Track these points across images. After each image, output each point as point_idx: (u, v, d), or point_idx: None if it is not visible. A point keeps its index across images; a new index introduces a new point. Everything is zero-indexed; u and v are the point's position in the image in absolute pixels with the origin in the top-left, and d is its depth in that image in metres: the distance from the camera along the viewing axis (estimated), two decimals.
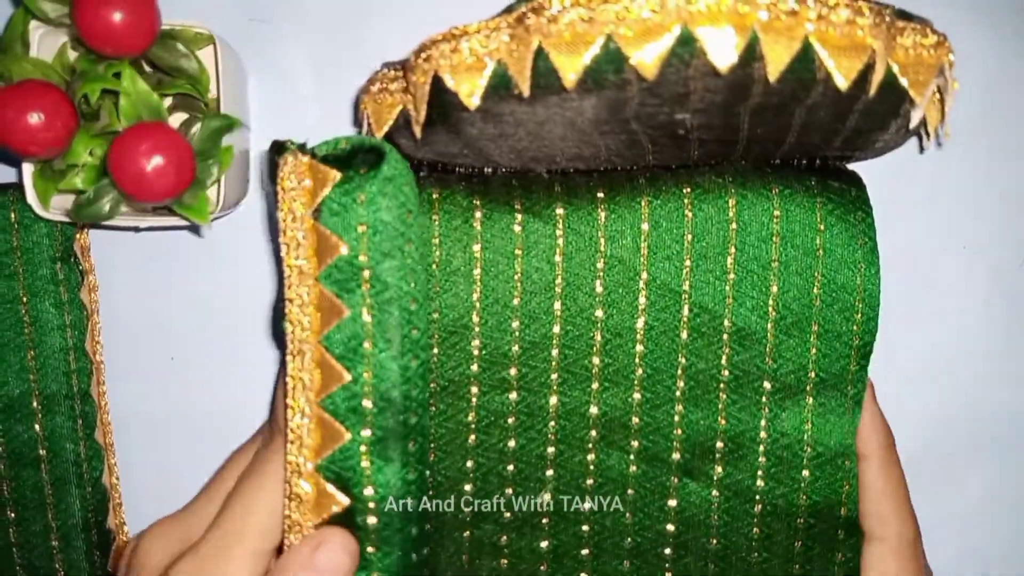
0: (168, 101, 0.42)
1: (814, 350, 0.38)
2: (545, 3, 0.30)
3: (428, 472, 0.35)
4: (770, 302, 0.38)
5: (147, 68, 0.41)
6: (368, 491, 0.32)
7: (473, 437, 0.39)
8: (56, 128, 0.38)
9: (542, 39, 0.30)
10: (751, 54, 0.29)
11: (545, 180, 0.39)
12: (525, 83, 0.30)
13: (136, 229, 0.45)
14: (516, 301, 0.38)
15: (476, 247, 0.38)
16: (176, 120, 0.42)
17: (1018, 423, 0.47)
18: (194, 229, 0.46)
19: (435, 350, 0.39)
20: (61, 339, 0.43)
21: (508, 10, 0.31)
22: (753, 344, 0.39)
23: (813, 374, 0.39)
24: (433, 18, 0.45)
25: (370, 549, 0.33)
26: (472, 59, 0.31)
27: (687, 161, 0.38)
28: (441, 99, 0.33)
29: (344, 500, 0.32)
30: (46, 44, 0.40)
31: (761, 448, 0.39)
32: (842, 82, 0.29)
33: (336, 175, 0.32)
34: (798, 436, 0.39)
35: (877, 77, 0.30)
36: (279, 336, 0.34)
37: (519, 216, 0.38)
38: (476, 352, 0.39)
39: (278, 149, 0.33)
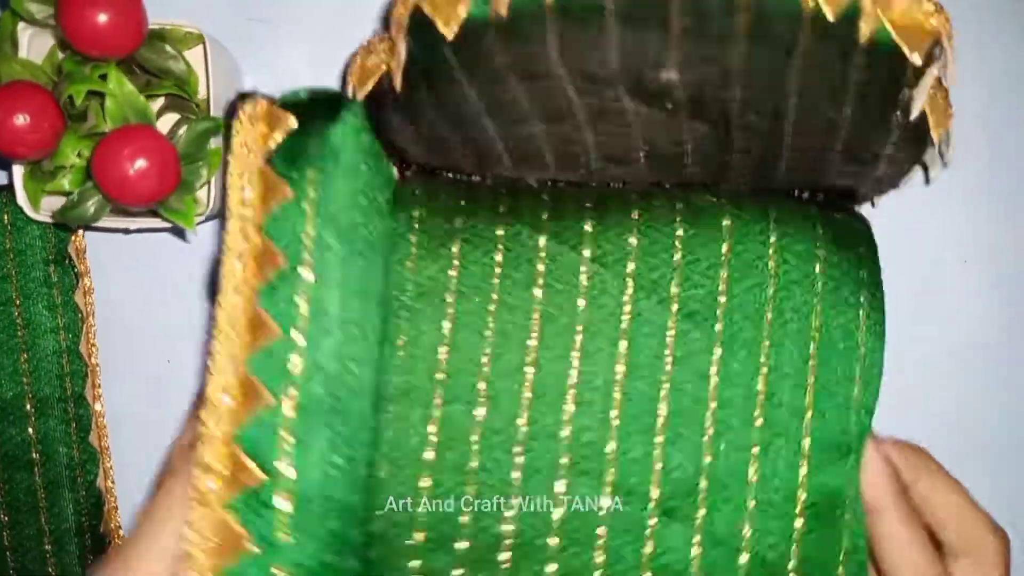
0: (160, 101, 0.41)
1: (810, 405, 0.35)
2: None
3: (369, 470, 0.32)
4: (762, 357, 0.35)
5: (136, 69, 0.40)
6: (286, 468, 0.29)
7: (432, 453, 0.35)
8: (43, 130, 0.38)
9: None
10: None
11: (532, 199, 0.36)
12: (503, 5, 0.29)
13: (126, 231, 0.45)
14: (489, 332, 0.35)
15: (452, 272, 0.35)
16: (168, 121, 0.41)
17: (1019, 426, 0.46)
18: (181, 233, 0.45)
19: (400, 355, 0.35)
20: (54, 342, 0.43)
21: None
22: (743, 387, 0.35)
23: (809, 419, 0.35)
24: None
25: (281, 536, 0.29)
26: None
27: (680, 174, 0.36)
28: (422, 35, 0.31)
29: (260, 475, 0.29)
30: (36, 44, 0.40)
31: (751, 492, 0.35)
32: (829, 14, 0.28)
33: (292, 122, 0.31)
34: (791, 479, 0.35)
35: (868, 26, 0.29)
36: (215, 290, 0.32)
37: (500, 247, 0.35)
38: (444, 365, 0.35)
39: (243, 97, 0.32)
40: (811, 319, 0.34)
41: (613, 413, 0.35)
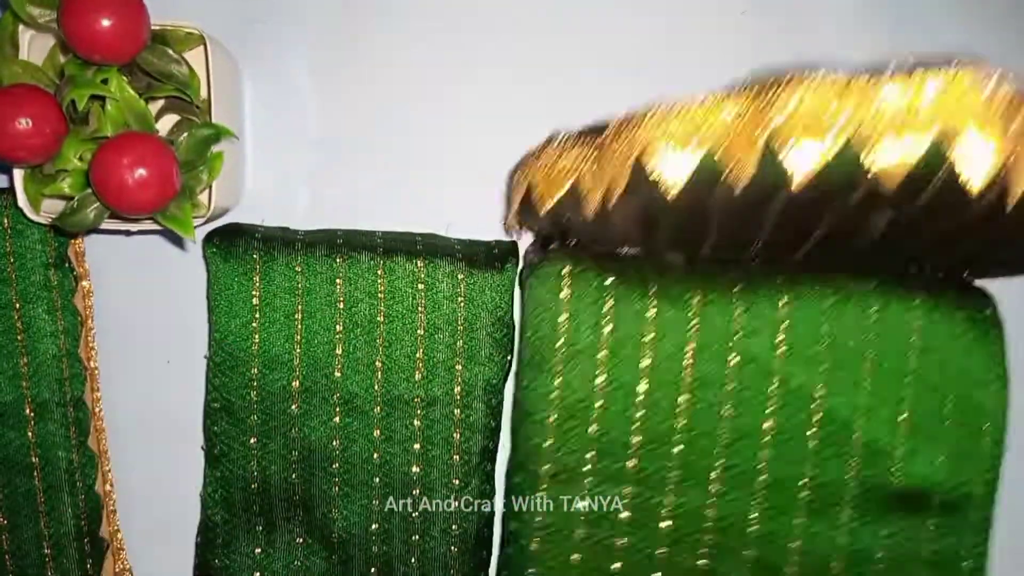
0: (161, 102, 0.41)
1: (942, 469, 0.37)
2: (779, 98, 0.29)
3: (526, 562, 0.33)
4: (902, 417, 0.37)
5: (138, 72, 0.40)
6: None
7: (582, 530, 0.38)
8: (44, 134, 0.37)
9: (772, 132, 0.29)
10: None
11: (680, 267, 0.38)
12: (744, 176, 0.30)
13: (128, 233, 0.44)
14: (642, 388, 0.37)
15: (606, 329, 0.37)
16: (169, 122, 0.41)
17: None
18: (180, 239, 0.45)
19: (550, 437, 0.38)
20: (54, 345, 0.43)
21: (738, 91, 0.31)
22: (882, 459, 0.37)
23: (937, 495, 0.37)
24: (431, 17, 0.44)
25: None
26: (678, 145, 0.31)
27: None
28: (638, 180, 0.32)
29: None
30: (37, 45, 0.40)
31: (881, 567, 0.37)
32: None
33: None
34: (916, 552, 0.37)
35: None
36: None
37: (653, 300, 0.37)
38: (594, 438, 0.37)
39: None
40: (945, 407, 0.38)
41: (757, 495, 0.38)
